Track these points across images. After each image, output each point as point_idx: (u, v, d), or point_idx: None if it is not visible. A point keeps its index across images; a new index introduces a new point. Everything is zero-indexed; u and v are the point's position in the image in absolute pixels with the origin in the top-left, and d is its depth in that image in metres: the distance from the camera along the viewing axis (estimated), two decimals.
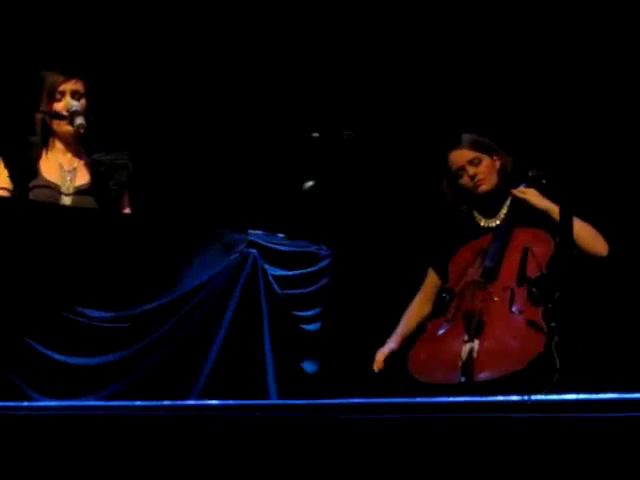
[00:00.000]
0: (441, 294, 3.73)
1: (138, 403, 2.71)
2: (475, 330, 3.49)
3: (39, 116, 3.69)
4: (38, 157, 3.67)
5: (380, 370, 3.70)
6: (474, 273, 3.67)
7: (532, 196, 3.76)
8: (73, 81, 3.68)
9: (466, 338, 3.48)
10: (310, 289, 3.48)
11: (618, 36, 4.18)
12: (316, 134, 3.68)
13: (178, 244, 3.35)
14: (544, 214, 3.69)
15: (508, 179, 3.84)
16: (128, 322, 3.22)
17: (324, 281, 3.51)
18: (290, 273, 3.45)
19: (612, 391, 2.29)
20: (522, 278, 3.60)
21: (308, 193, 3.69)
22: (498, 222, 3.83)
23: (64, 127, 3.67)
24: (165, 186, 4.45)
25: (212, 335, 3.27)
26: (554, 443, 2.29)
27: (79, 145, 3.72)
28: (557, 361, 3.35)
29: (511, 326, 3.53)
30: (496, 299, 3.59)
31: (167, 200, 4.34)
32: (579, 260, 3.61)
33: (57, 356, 3.13)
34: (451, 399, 2.46)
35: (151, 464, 2.52)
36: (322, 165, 3.77)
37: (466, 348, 3.45)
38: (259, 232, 3.45)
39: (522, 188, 3.80)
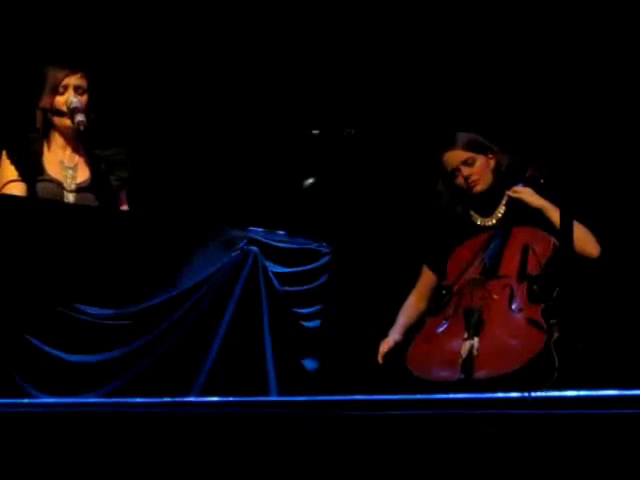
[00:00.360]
0: (440, 292, 3.74)
1: (139, 400, 2.72)
2: (475, 328, 3.50)
3: (40, 111, 3.68)
4: (40, 152, 3.67)
5: (385, 359, 3.70)
6: (473, 271, 3.67)
7: (526, 195, 3.76)
8: (77, 75, 3.68)
9: (466, 336, 3.49)
10: (310, 286, 3.48)
11: (616, 36, 4.18)
12: (316, 131, 3.68)
13: (179, 241, 3.35)
14: (541, 213, 3.69)
15: (504, 177, 3.84)
16: (129, 319, 3.22)
17: (324, 278, 3.51)
18: (290, 270, 3.45)
19: (611, 388, 2.29)
20: (522, 276, 3.61)
21: (308, 190, 3.69)
22: (494, 221, 3.84)
23: (64, 123, 3.67)
24: (166, 183, 4.45)
25: (212, 332, 3.27)
26: (554, 440, 2.29)
27: (78, 141, 3.72)
28: (556, 359, 3.35)
29: (511, 324, 3.54)
30: (496, 297, 3.60)
31: (168, 197, 4.34)
32: (576, 259, 3.62)
33: (58, 353, 3.13)
34: (451, 396, 2.46)
35: (152, 461, 2.52)
36: (322, 162, 3.77)
37: (466, 346, 3.45)
38: (259, 229, 3.45)
39: (517, 188, 3.80)
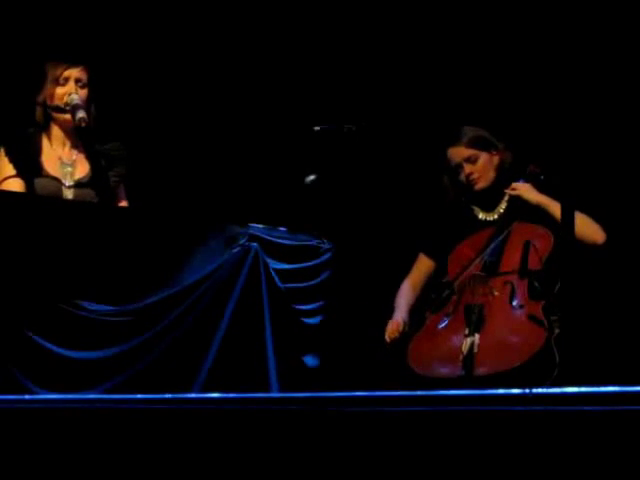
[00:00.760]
0: (440, 287, 3.74)
1: (140, 396, 2.71)
2: (476, 324, 3.50)
3: (40, 104, 3.67)
4: (38, 149, 3.67)
5: (393, 340, 3.69)
6: (474, 268, 3.67)
7: (525, 191, 3.76)
8: (79, 69, 3.68)
9: (467, 332, 3.49)
10: (311, 282, 3.48)
11: (616, 33, 4.18)
12: (317, 128, 3.68)
13: (180, 238, 3.35)
14: (540, 212, 3.69)
15: (507, 174, 3.84)
16: (130, 315, 3.22)
17: (325, 274, 3.51)
18: (291, 266, 3.45)
19: (613, 384, 2.29)
20: (523, 272, 3.61)
21: (310, 187, 3.69)
22: (496, 216, 3.84)
23: (64, 117, 3.66)
24: (167, 180, 4.45)
25: (214, 329, 3.27)
26: (555, 436, 2.29)
27: (78, 136, 3.72)
28: (557, 355, 3.35)
29: (512, 320, 3.54)
30: (497, 293, 3.60)
31: (169, 194, 4.34)
32: (578, 252, 3.62)
33: (59, 349, 3.13)
34: (452, 392, 2.46)
35: (153, 457, 2.52)
36: (323, 159, 3.77)
37: (467, 342, 3.45)
38: (260, 226, 3.44)
39: (515, 184, 3.80)
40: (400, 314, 3.77)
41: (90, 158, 3.71)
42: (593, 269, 3.79)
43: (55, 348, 3.12)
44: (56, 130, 3.70)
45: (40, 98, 3.68)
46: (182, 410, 2.61)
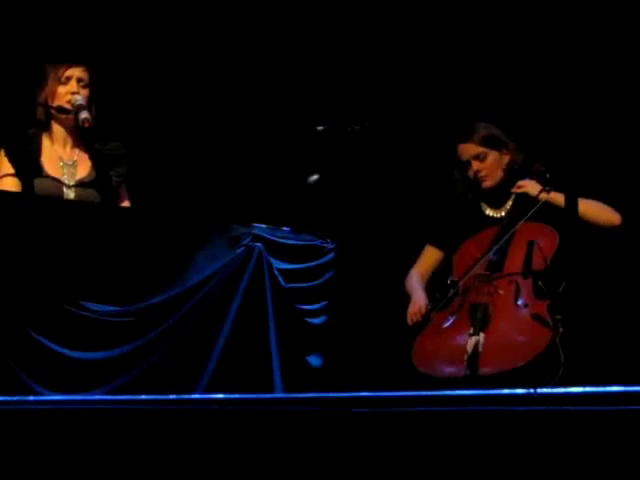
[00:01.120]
0: (446, 286, 3.73)
1: (144, 397, 2.71)
2: (481, 323, 3.49)
3: (42, 103, 3.67)
4: (38, 149, 3.66)
5: (416, 323, 3.67)
6: (479, 267, 3.67)
7: (531, 187, 3.76)
8: (81, 68, 3.67)
9: (472, 331, 3.48)
10: (315, 282, 3.47)
11: (625, 34, 4.17)
12: (321, 128, 3.68)
13: (184, 238, 3.35)
14: (548, 208, 3.68)
15: (516, 174, 3.84)
16: (134, 316, 3.22)
17: (329, 274, 3.51)
18: (295, 266, 3.44)
19: (617, 384, 2.29)
20: (528, 271, 3.60)
21: (313, 187, 3.69)
22: (503, 213, 3.84)
23: (67, 118, 3.66)
24: (170, 180, 4.44)
25: (218, 329, 3.27)
26: (560, 436, 2.29)
27: (79, 137, 3.71)
28: (562, 355, 3.34)
29: (517, 320, 3.53)
30: (502, 292, 3.59)
31: (173, 194, 4.33)
32: (596, 238, 3.63)
33: (63, 350, 3.12)
34: (457, 392, 2.46)
35: (157, 458, 2.52)
36: (327, 159, 3.76)
37: (472, 342, 3.45)
38: (264, 226, 3.44)
39: (521, 182, 3.80)
40: (419, 295, 3.76)
41: (91, 158, 3.71)
42: (598, 268, 3.78)
43: (59, 349, 3.12)
44: (57, 130, 3.69)
45: (41, 98, 3.67)
46: (186, 411, 2.61)
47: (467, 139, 3.83)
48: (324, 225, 3.65)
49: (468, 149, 3.83)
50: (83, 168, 3.69)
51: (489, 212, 3.87)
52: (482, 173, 3.81)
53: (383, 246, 4.37)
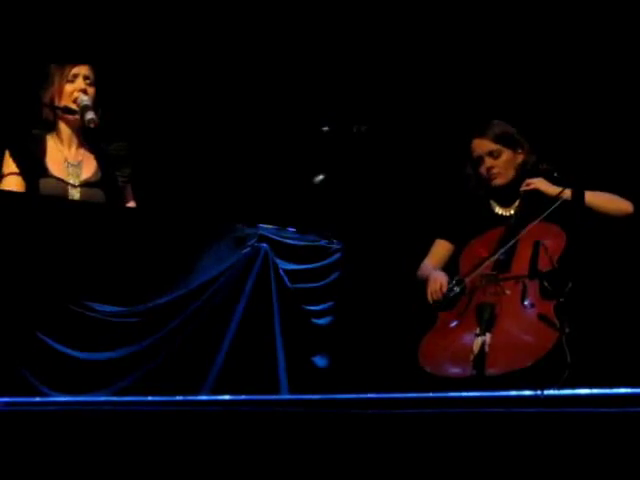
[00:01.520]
0: (453, 286, 3.72)
1: (150, 398, 2.71)
2: (487, 324, 3.49)
3: (47, 102, 3.66)
4: (43, 150, 3.66)
5: (436, 302, 3.65)
6: (486, 267, 3.66)
7: (541, 184, 3.76)
8: (87, 66, 3.68)
9: (478, 332, 3.47)
10: (321, 283, 3.47)
11: (633, 34, 4.18)
12: (326, 128, 3.68)
13: (189, 239, 3.35)
14: (556, 208, 3.67)
15: (526, 174, 3.83)
16: (139, 317, 3.22)
17: (335, 275, 3.50)
18: (301, 267, 3.44)
19: (625, 386, 2.28)
20: (533, 272, 3.60)
21: (319, 187, 3.68)
22: (512, 211, 3.83)
23: (73, 118, 3.65)
24: (176, 180, 4.45)
25: (223, 330, 3.26)
26: (567, 438, 2.28)
27: (84, 137, 3.71)
28: (568, 356, 3.34)
29: (523, 320, 3.52)
30: (508, 293, 3.59)
31: (178, 194, 4.33)
32: (611, 228, 3.63)
33: (69, 351, 3.13)
34: (463, 394, 2.46)
35: (163, 459, 2.52)
36: (332, 159, 3.76)
37: (478, 342, 3.44)
38: (270, 226, 3.44)
39: (529, 180, 3.79)
40: (438, 274, 3.72)
41: (97, 158, 3.71)
42: (604, 269, 3.78)
43: (65, 349, 3.12)
44: (63, 130, 3.69)
45: (47, 97, 3.67)
46: (192, 412, 2.61)
47: (482, 134, 3.83)
48: (330, 225, 3.65)
49: (482, 145, 3.82)
50: (88, 169, 3.69)
51: (498, 210, 3.87)
52: (494, 170, 3.81)
53: (389, 246, 4.37)
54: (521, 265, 3.65)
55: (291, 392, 3.27)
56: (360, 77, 4.41)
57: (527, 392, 2.34)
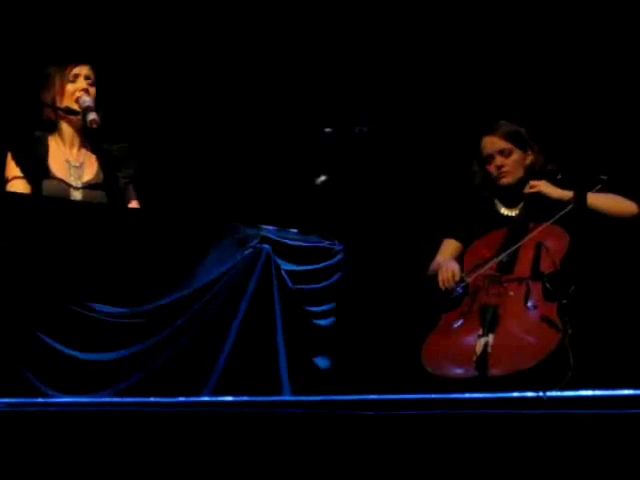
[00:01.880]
0: (455, 287, 3.72)
1: (152, 399, 2.71)
2: (490, 325, 3.49)
3: (49, 103, 3.66)
4: (45, 151, 3.66)
5: (449, 289, 3.63)
6: (490, 268, 3.66)
7: (544, 187, 3.76)
8: (87, 66, 3.68)
9: (481, 332, 3.47)
10: (323, 284, 3.47)
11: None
12: (328, 129, 3.68)
13: (191, 240, 3.35)
14: (560, 209, 3.67)
15: (533, 176, 3.83)
16: (142, 318, 3.22)
17: (337, 276, 3.50)
18: (303, 268, 3.44)
19: (627, 387, 2.28)
20: (535, 274, 3.60)
21: (321, 188, 3.68)
22: (516, 213, 3.83)
23: (75, 118, 3.65)
24: (178, 181, 4.45)
25: (225, 331, 3.26)
26: (569, 439, 2.28)
27: (85, 138, 3.71)
28: (571, 358, 3.33)
29: (526, 321, 3.52)
30: (511, 294, 3.59)
31: (181, 196, 4.34)
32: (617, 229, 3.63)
33: (71, 352, 3.13)
34: (465, 395, 2.46)
35: (166, 460, 2.52)
36: (335, 160, 3.76)
37: (481, 343, 3.44)
38: (272, 227, 3.44)
39: (533, 182, 3.79)
40: (450, 262, 3.71)
41: (99, 159, 3.71)
42: (607, 271, 3.78)
43: (67, 350, 3.12)
44: (64, 132, 3.69)
45: (48, 98, 3.67)
46: (194, 413, 2.61)
47: (492, 132, 3.82)
48: (332, 227, 3.65)
49: (493, 142, 3.82)
50: (90, 170, 3.69)
51: (504, 211, 3.87)
52: (504, 169, 3.80)
53: (391, 247, 4.36)
54: (524, 267, 3.65)
55: (293, 393, 3.27)
56: (362, 78, 4.41)
57: (529, 393, 2.33)
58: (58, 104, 3.64)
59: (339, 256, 3.51)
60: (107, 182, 3.67)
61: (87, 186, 3.66)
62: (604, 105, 4.20)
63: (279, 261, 3.36)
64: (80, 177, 3.67)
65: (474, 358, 3.42)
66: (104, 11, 4.36)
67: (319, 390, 3.26)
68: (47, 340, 3.10)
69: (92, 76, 3.68)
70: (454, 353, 3.51)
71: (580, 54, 4.26)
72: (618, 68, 4.19)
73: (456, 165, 4.04)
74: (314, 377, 3.37)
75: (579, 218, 3.52)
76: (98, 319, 3.16)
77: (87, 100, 3.64)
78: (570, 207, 3.59)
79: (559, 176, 3.81)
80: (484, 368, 3.39)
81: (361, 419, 2.44)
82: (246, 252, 3.34)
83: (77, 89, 3.64)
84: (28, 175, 3.58)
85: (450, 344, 3.55)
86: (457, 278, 3.64)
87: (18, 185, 3.57)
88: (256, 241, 3.36)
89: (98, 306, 3.16)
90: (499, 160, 3.81)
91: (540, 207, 3.73)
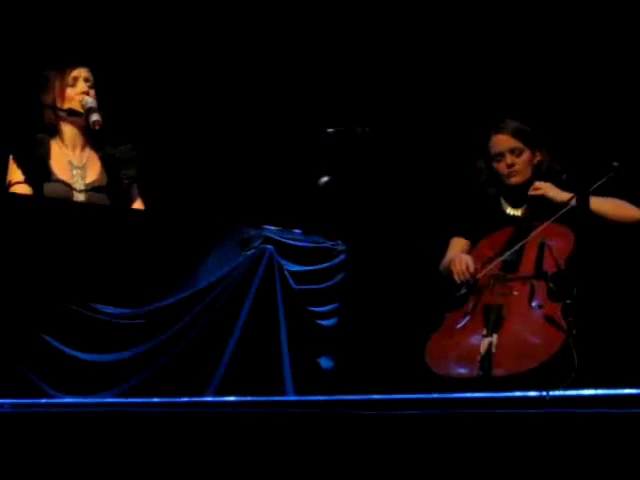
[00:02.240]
0: (460, 285, 3.71)
1: (155, 400, 2.71)
2: (494, 324, 3.48)
3: (50, 106, 3.66)
4: (47, 154, 3.66)
5: (464, 281, 3.63)
6: (494, 267, 3.65)
7: (548, 189, 3.75)
8: (86, 69, 3.68)
9: (485, 332, 3.47)
10: (326, 285, 3.47)
11: None
12: (331, 130, 3.67)
13: (194, 240, 3.35)
14: (564, 213, 3.66)
15: (539, 176, 3.83)
16: (145, 318, 3.22)
17: (340, 277, 3.50)
18: (306, 269, 3.44)
19: (631, 387, 2.27)
20: (539, 274, 3.59)
21: (323, 189, 3.68)
22: (521, 212, 3.83)
23: (77, 120, 3.66)
24: (181, 182, 4.45)
25: (229, 331, 3.26)
26: (572, 439, 2.27)
27: (88, 140, 3.71)
28: (575, 358, 3.33)
29: (530, 321, 3.52)
30: (516, 293, 3.58)
31: (183, 196, 4.34)
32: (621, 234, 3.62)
33: (74, 353, 3.13)
34: (468, 395, 2.45)
35: (169, 460, 2.52)
36: (337, 161, 3.76)
37: (485, 342, 3.43)
38: (275, 228, 3.44)
39: (537, 184, 3.78)
40: (463, 255, 3.69)
41: (101, 161, 3.71)
42: (612, 270, 3.77)
43: (69, 351, 3.12)
44: (67, 133, 3.69)
45: (48, 101, 3.66)
46: (198, 413, 2.61)
47: (501, 130, 3.81)
48: (335, 227, 3.65)
49: (504, 141, 3.81)
50: (93, 171, 3.69)
51: (510, 211, 3.86)
52: (515, 167, 3.80)
53: (394, 248, 4.36)
54: (529, 266, 3.64)
55: (296, 393, 3.27)
56: (364, 78, 4.41)
57: (532, 393, 2.33)
58: (59, 107, 3.65)
59: (342, 256, 3.51)
60: (109, 184, 3.67)
61: (90, 188, 3.66)
62: (606, 105, 4.20)
63: (282, 262, 3.36)
64: (83, 178, 3.67)
65: (478, 358, 3.41)
66: (105, 12, 4.36)
67: (323, 390, 3.26)
68: (49, 340, 3.10)
69: (91, 78, 3.69)
70: (458, 353, 3.51)
71: (583, 53, 4.26)
72: (621, 68, 4.19)
73: (461, 163, 4.03)
74: (318, 377, 3.37)
75: (582, 218, 3.51)
76: (100, 320, 3.16)
77: (90, 101, 3.64)
78: (567, 208, 3.59)
79: (564, 176, 3.81)
80: (488, 368, 3.38)
81: (365, 419, 2.44)
82: (249, 253, 3.34)
83: (78, 92, 3.64)
84: (30, 177, 3.58)
85: (454, 344, 3.55)
86: (472, 270, 3.63)
87: (21, 188, 3.58)
88: (259, 242, 3.36)
89: (100, 307, 3.17)
90: (510, 159, 3.80)
91: (544, 208, 3.72)
